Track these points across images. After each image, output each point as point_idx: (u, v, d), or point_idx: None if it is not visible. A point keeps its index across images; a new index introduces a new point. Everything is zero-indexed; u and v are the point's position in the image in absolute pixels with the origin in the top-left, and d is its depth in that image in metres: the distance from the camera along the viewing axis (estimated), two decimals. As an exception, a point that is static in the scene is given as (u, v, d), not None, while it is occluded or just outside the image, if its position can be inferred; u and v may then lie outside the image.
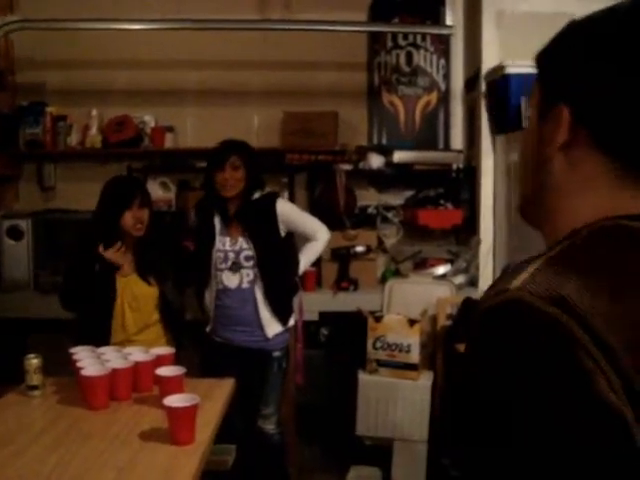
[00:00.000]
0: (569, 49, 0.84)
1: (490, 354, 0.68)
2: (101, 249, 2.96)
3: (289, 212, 3.33)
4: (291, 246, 3.42)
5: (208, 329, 3.33)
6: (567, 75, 0.83)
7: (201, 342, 3.36)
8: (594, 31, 0.81)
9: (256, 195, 3.27)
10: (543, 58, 0.90)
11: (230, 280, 3.22)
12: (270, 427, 3.34)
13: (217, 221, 3.26)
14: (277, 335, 3.27)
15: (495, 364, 0.68)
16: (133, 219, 3.00)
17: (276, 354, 3.29)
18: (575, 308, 0.65)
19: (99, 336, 2.93)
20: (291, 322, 3.37)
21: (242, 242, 3.21)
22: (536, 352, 0.65)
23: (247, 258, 3.20)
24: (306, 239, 3.38)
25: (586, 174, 0.80)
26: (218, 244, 3.23)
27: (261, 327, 3.23)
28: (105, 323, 2.99)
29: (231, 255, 3.21)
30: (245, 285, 3.21)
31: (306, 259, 3.39)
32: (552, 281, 0.68)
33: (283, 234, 3.29)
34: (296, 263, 3.34)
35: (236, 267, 3.20)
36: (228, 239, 3.24)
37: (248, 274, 3.21)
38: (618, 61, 0.77)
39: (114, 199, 3.02)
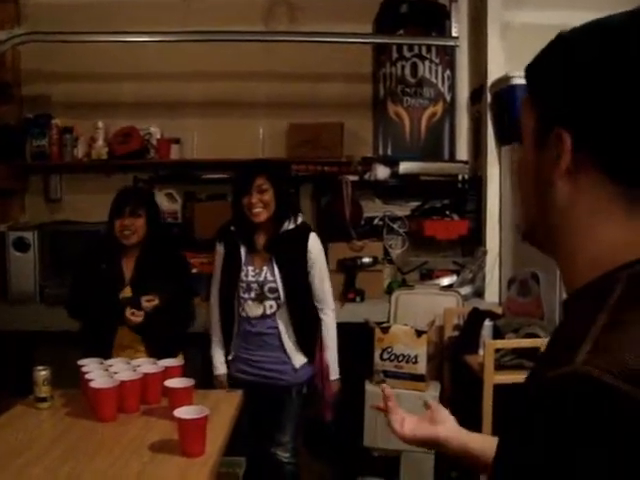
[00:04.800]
0: (564, 66, 0.79)
1: (556, 437, 0.63)
2: (128, 312, 2.95)
3: (317, 256, 3.20)
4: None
5: (230, 357, 3.23)
6: (564, 96, 0.78)
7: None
8: (591, 47, 0.77)
9: (289, 226, 3.14)
10: (534, 74, 0.86)
11: (252, 310, 3.12)
12: (285, 455, 3.20)
13: (243, 250, 3.15)
14: (303, 367, 3.20)
15: (562, 448, 0.62)
16: (120, 227, 3.03)
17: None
18: None
19: (104, 344, 2.97)
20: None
21: (267, 272, 3.11)
22: (610, 434, 0.61)
23: (271, 290, 3.10)
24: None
25: (594, 201, 0.77)
26: (241, 273, 3.13)
27: (287, 356, 3.16)
28: (109, 332, 3.02)
29: (254, 286, 3.11)
30: (268, 315, 3.13)
31: (332, 352, 3.29)
32: (619, 352, 0.64)
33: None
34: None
35: (261, 298, 3.11)
36: (251, 268, 3.13)
37: (271, 306, 3.11)
38: (620, 79, 0.73)
39: (111, 208, 3.08)
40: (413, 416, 1.36)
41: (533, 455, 0.65)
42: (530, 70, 0.86)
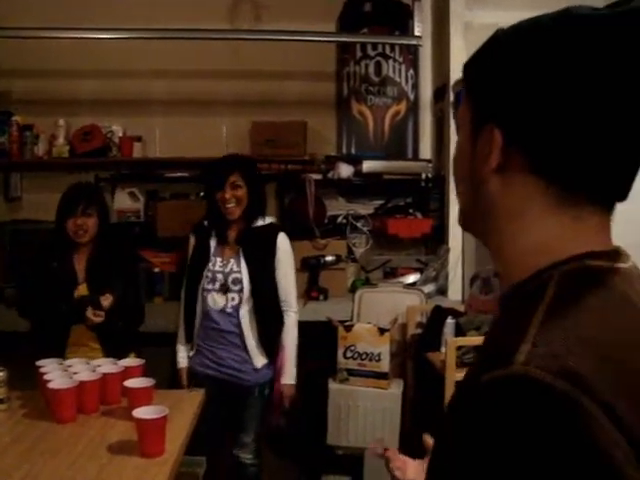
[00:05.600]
0: (496, 65, 0.81)
1: (498, 435, 0.63)
2: (90, 312, 2.92)
3: (284, 254, 3.21)
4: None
5: (191, 354, 3.23)
6: (496, 94, 0.80)
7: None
8: (520, 46, 0.78)
9: (259, 222, 3.18)
10: (470, 71, 0.87)
11: (215, 302, 3.12)
12: (247, 457, 3.21)
13: (213, 242, 3.18)
14: (264, 367, 3.18)
15: (504, 446, 0.63)
16: (74, 226, 3.01)
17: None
18: (585, 381, 0.63)
19: (57, 343, 2.93)
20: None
21: (233, 264, 3.12)
22: (550, 432, 0.61)
23: (235, 281, 3.11)
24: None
25: (523, 197, 0.79)
26: (208, 264, 3.15)
27: (248, 355, 3.14)
28: (63, 330, 2.99)
29: (219, 276, 3.12)
30: (229, 309, 3.12)
31: (291, 353, 3.24)
32: (556, 350, 0.65)
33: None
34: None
35: (224, 289, 3.11)
36: (219, 259, 3.15)
37: (234, 298, 3.11)
38: (547, 80, 0.75)
39: (60, 206, 3.06)
40: (413, 461, 1.36)
41: (472, 457, 0.65)
42: (467, 66, 0.87)
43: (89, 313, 2.92)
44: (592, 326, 0.69)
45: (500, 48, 0.81)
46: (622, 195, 0.79)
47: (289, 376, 3.23)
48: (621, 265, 0.77)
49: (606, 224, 0.80)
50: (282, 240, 3.21)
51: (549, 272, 0.75)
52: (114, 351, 2.84)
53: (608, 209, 0.80)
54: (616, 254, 0.79)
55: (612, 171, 0.76)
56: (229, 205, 3.08)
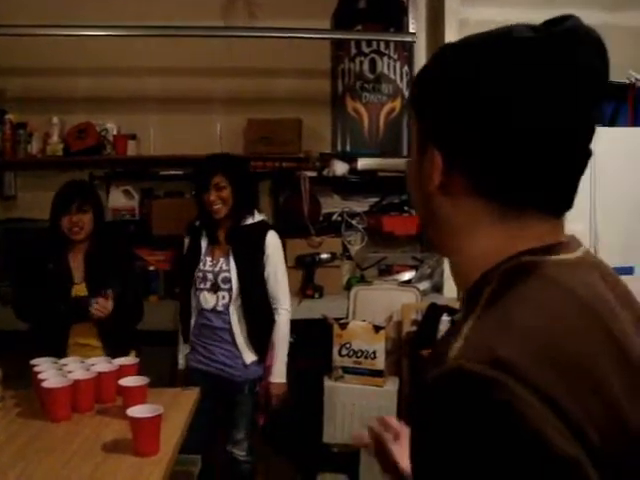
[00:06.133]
0: (436, 85, 0.82)
1: (439, 428, 0.67)
2: (93, 307, 2.91)
3: (273, 252, 3.23)
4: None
5: (186, 351, 3.30)
6: (436, 117, 0.82)
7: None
8: (458, 68, 0.80)
9: (248, 221, 3.22)
10: (416, 88, 0.88)
11: (207, 301, 3.18)
12: (241, 453, 3.23)
13: (204, 242, 3.23)
14: (253, 363, 3.22)
15: (445, 438, 0.66)
16: (69, 223, 2.99)
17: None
18: (514, 366, 0.66)
19: (58, 343, 2.92)
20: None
21: (223, 263, 3.17)
22: (484, 419, 0.64)
23: (224, 280, 3.15)
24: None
25: (469, 215, 0.82)
26: (199, 264, 3.20)
27: (238, 351, 3.18)
28: (63, 330, 2.98)
29: (210, 276, 3.17)
30: (220, 308, 3.16)
31: (281, 351, 3.25)
32: (486, 341, 0.69)
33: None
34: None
35: (215, 288, 3.16)
36: (209, 259, 3.20)
37: (224, 296, 3.16)
38: (483, 104, 0.76)
39: (54, 204, 3.05)
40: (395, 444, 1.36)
41: (430, 452, 0.69)
42: (414, 83, 0.89)
43: (93, 308, 2.91)
44: (525, 315, 0.72)
45: (440, 69, 0.83)
46: (566, 205, 0.83)
47: (278, 374, 3.24)
48: (562, 256, 0.80)
49: (558, 228, 0.83)
50: (271, 238, 3.23)
51: (492, 273, 0.79)
52: (115, 349, 2.84)
53: (557, 216, 0.83)
54: (557, 247, 0.81)
55: (551, 186, 0.80)
56: (215, 206, 3.12)
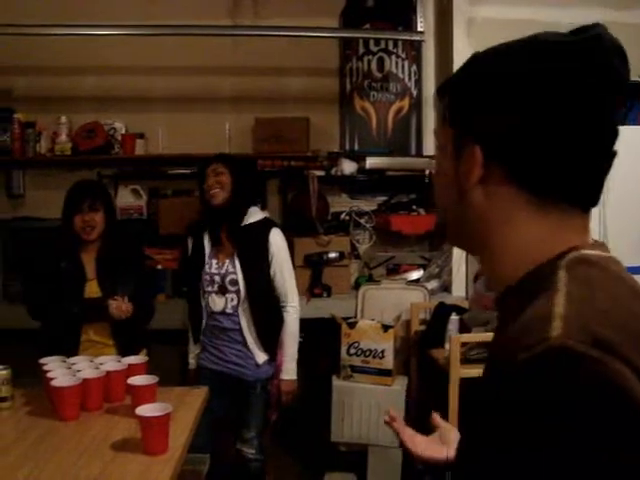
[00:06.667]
0: (474, 86, 0.88)
1: (542, 402, 0.68)
2: (111, 305, 2.93)
3: (278, 250, 3.22)
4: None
5: (197, 351, 3.30)
6: (475, 113, 0.88)
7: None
8: (496, 70, 0.86)
9: (251, 219, 3.21)
10: (450, 92, 0.94)
11: (216, 303, 3.16)
12: (250, 451, 3.23)
13: (207, 243, 3.21)
14: (265, 363, 3.22)
15: (549, 411, 0.67)
16: (82, 222, 2.99)
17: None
18: (610, 345, 0.69)
19: (71, 342, 2.92)
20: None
21: (229, 265, 3.15)
22: (590, 395, 0.67)
23: (232, 282, 3.14)
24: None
25: (507, 206, 0.87)
26: (205, 266, 3.18)
27: (250, 351, 3.18)
28: (77, 329, 2.98)
29: (217, 278, 3.16)
30: (229, 310, 3.15)
31: (290, 349, 3.25)
32: (584, 322, 0.72)
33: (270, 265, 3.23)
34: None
35: (222, 290, 3.15)
36: (215, 261, 3.18)
37: (232, 299, 3.15)
38: (522, 100, 0.83)
39: (66, 203, 3.05)
40: (423, 436, 1.40)
41: (520, 423, 0.69)
42: (447, 87, 0.95)
43: (113, 308, 2.92)
44: (605, 301, 0.77)
45: (478, 72, 0.89)
46: (594, 201, 0.88)
47: (288, 372, 3.25)
48: (604, 253, 0.87)
49: (587, 224, 0.89)
50: (274, 236, 3.22)
51: (554, 262, 0.83)
52: (127, 348, 2.85)
53: (586, 212, 0.89)
54: (602, 246, 0.88)
55: (583, 180, 0.86)
56: (212, 191, 3.12)
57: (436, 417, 1.43)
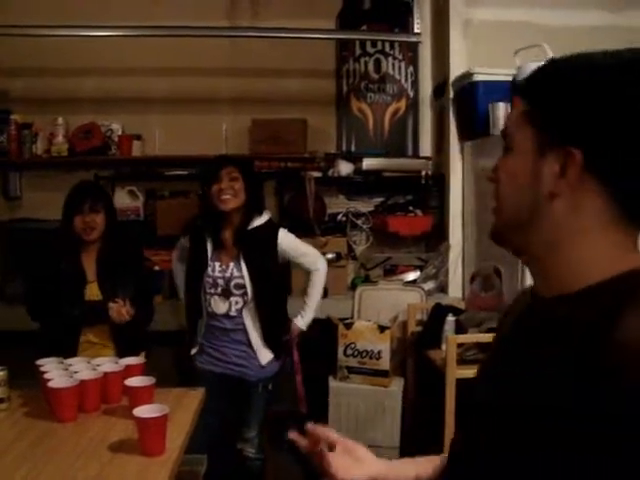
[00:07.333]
0: (575, 93, 0.85)
1: None
2: (111, 309, 2.92)
3: (289, 244, 3.21)
4: (283, 278, 3.38)
5: (193, 352, 3.25)
6: (577, 119, 0.84)
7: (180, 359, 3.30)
8: (607, 77, 0.83)
9: (256, 223, 3.15)
10: (536, 92, 0.91)
11: (219, 306, 3.12)
12: (251, 451, 3.23)
13: (209, 245, 3.15)
14: (270, 363, 3.19)
15: None
16: (82, 224, 2.99)
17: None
18: None
19: (70, 343, 2.93)
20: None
21: (233, 269, 3.10)
22: None
23: (237, 286, 3.09)
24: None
25: (587, 216, 0.85)
26: (207, 269, 3.13)
27: (253, 352, 3.15)
28: (76, 330, 2.98)
29: (220, 282, 3.10)
30: (233, 313, 3.12)
31: (313, 298, 3.31)
32: None
33: (279, 264, 3.22)
34: (287, 293, 3.30)
35: (227, 294, 3.10)
36: (218, 264, 3.12)
37: (237, 302, 3.11)
38: (628, 112, 0.81)
39: (67, 204, 3.04)
40: (334, 454, 1.26)
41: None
42: (531, 88, 0.92)
43: (114, 311, 2.92)
44: None
45: (582, 79, 0.85)
46: None
47: (304, 321, 3.29)
48: None
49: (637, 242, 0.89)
50: (283, 236, 3.20)
51: (635, 273, 0.83)
52: (126, 350, 2.83)
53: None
54: None
55: None
56: (225, 196, 3.03)
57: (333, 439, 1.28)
